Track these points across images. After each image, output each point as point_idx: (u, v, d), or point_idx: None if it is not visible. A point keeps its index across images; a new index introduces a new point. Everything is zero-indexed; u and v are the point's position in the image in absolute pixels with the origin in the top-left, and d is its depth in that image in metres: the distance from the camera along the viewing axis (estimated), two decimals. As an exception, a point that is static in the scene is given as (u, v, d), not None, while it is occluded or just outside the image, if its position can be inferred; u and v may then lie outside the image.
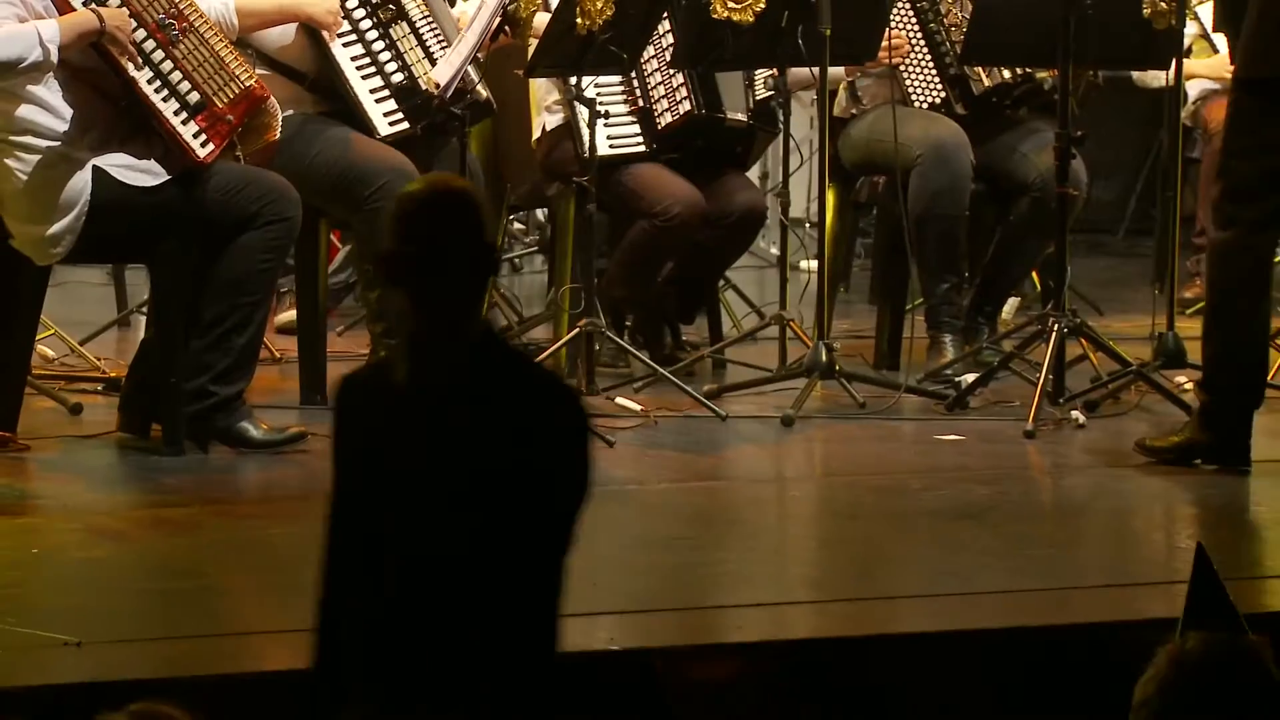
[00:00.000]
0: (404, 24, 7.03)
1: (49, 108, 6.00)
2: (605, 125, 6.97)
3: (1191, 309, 8.01)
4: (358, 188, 6.60)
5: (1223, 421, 5.68)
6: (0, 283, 6.26)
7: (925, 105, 7.23)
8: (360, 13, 6.91)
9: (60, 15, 5.93)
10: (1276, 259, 6.81)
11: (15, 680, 4.57)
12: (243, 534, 5.60)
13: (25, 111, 5.97)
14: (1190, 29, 8.93)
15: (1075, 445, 6.57)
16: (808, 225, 9.13)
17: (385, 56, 6.93)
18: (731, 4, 6.70)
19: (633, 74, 7.19)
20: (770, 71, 7.08)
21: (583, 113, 6.91)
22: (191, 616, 4.82)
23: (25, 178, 6.00)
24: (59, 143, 5.97)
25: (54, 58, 5.91)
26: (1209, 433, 5.68)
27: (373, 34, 6.88)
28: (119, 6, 5.99)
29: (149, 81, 6.02)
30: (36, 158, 5.98)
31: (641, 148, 7.15)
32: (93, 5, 6.02)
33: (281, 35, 6.84)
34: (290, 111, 6.56)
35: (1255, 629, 3.02)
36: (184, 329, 6.18)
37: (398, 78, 6.81)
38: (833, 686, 4.78)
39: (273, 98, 6.17)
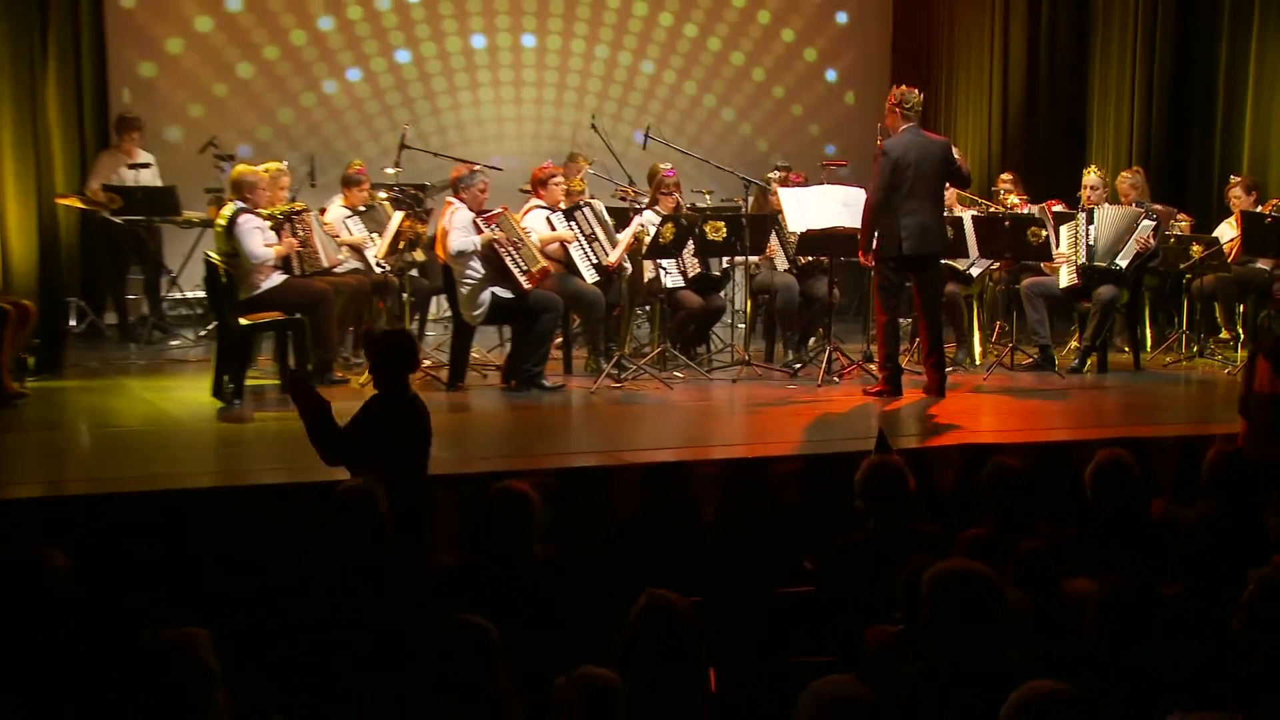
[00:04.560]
0: (597, 239, 11.55)
1: (474, 265, 10.62)
2: (665, 272, 11.68)
3: None
4: (574, 299, 11.33)
5: None
6: (459, 338, 10.93)
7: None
8: (579, 234, 11.45)
9: (479, 234, 10.61)
10: None
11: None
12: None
13: (473, 264, 10.61)
14: None
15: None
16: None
17: (589, 249, 11.49)
18: (712, 232, 11.27)
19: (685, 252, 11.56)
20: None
21: (665, 264, 11.59)
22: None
23: (467, 291, 10.70)
24: (479, 276, 10.65)
25: (477, 248, 10.55)
26: None
27: (583, 240, 11.47)
28: (497, 232, 10.62)
29: (509, 259, 10.69)
30: (472, 284, 10.66)
31: (683, 283, 11.79)
32: (492, 230, 10.64)
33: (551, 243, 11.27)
34: (552, 269, 11.07)
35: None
36: (518, 349, 10.88)
37: (593, 259, 11.43)
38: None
39: (548, 266, 10.94)
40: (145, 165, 13.18)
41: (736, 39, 16.29)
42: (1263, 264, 12.19)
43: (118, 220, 12.75)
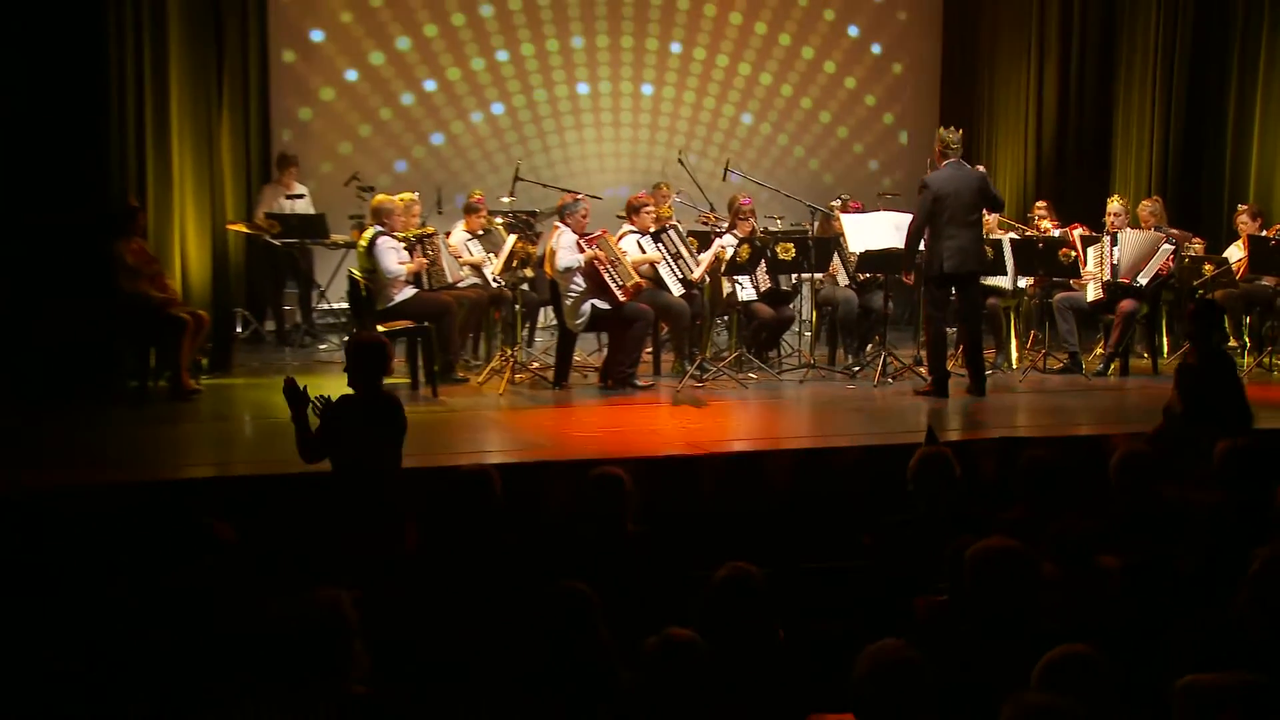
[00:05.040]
0: (681, 257, 11.40)
1: (577, 280, 10.56)
2: (741, 287, 11.67)
3: None
4: (662, 310, 11.26)
5: None
6: (563, 344, 10.90)
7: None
8: (666, 254, 11.34)
9: (582, 254, 10.54)
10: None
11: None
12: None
13: (576, 280, 10.57)
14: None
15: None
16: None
17: (674, 266, 11.38)
18: (783, 252, 11.30)
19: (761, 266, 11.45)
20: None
21: (742, 280, 11.61)
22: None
23: (570, 303, 10.63)
24: (581, 290, 10.59)
25: (580, 266, 10.50)
26: None
27: (669, 259, 11.35)
28: (597, 252, 10.57)
29: (607, 275, 10.62)
30: (575, 296, 10.63)
31: (756, 296, 11.62)
32: (592, 250, 10.57)
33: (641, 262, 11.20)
34: (643, 284, 10.99)
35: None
36: (614, 353, 10.84)
37: (679, 275, 11.32)
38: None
39: (640, 281, 10.88)
40: (300, 196, 13.34)
41: (806, 86, 16.21)
42: (1267, 281, 12.10)
43: (277, 243, 12.90)
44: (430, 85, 14.76)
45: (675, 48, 15.58)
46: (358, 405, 7.03)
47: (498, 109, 15.09)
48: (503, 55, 14.98)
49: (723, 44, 15.69)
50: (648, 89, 15.54)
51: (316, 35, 14.27)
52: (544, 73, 15.13)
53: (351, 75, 14.47)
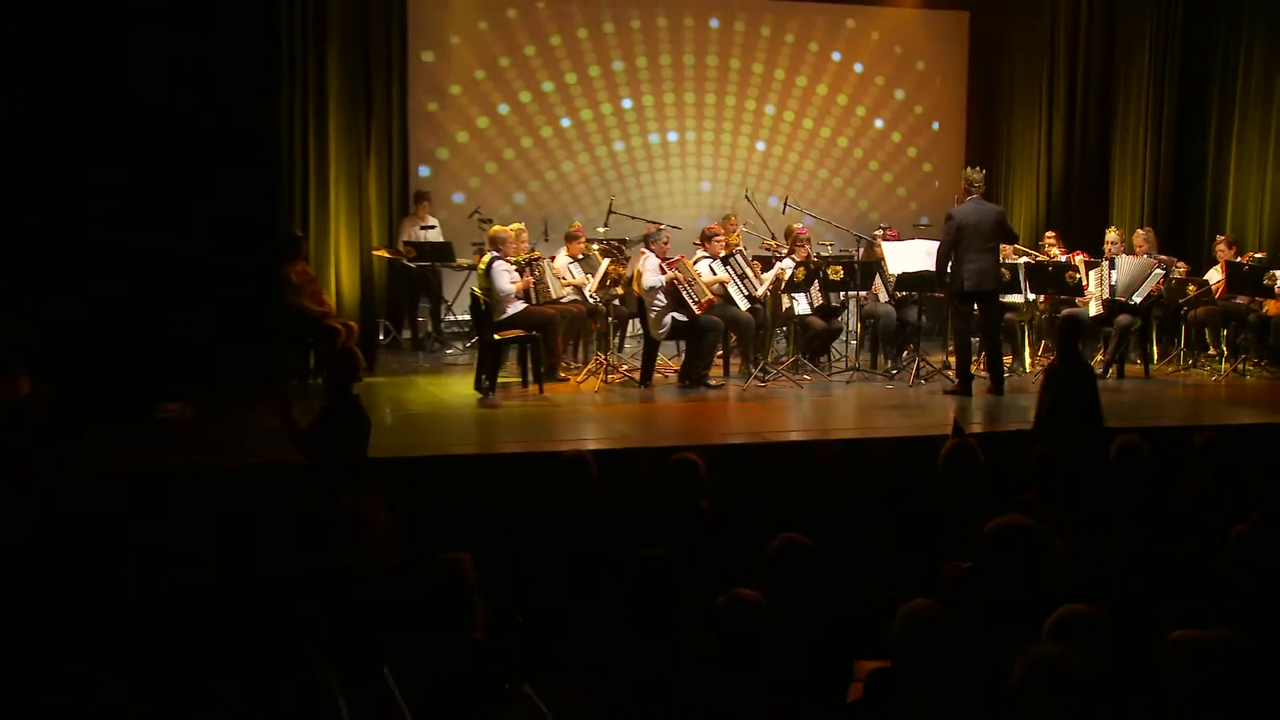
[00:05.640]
0: (747, 277, 11.39)
1: (659, 297, 10.55)
2: (797, 303, 11.62)
3: None
4: (731, 322, 11.17)
5: None
6: (648, 350, 10.74)
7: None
8: (733, 275, 11.29)
9: (664, 275, 10.54)
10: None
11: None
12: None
13: (659, 296, 10.59)
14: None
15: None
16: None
17: (741, 285, 11.37)
18: (833, 274, 11.28)
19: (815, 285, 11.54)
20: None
21: (798, 297, 11.59)
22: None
23: (654, 315, 10.61)
24: (663, 305, 10.56)
25: (662, 285, 10.52)
26: None
27: (736, 279, 11.32)
28: (676, 273, 10.58)
29: (684, 292, 10.58)
30: (658, 310, 10.64)
31: (810, 311, 11.60)
32: (672, 272, 10.56)
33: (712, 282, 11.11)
34: (715, 300, 10.91)
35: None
36: (691, 357, 10.71)
37: (744, 292, 11.30)
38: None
39: (712, 298, 10.76)
40: (431, 227, 13.34)
41: (858, 139, 16.01)
42: (1240, 300, 12.15)
43: (412, 266, 12.94)
44: (547, 131, 14.75)
45: (749, 104, 15.54)
46: (336, 411, 6.90)
47: (601, 152, 15.06)
48: (607, 107, 14.97)
49: (778, 99, 15.60)
50: (725, 138, 15.43)
51: (454, 89, 14.33)
52: (640, 123, 15.09)
53: (483, 122, 14.47)
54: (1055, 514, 5.65)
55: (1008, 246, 11.57)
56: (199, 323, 9.85)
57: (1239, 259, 12.34)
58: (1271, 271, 12.05)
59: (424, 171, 14.16)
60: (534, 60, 14.61)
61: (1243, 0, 13.59)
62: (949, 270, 10.46)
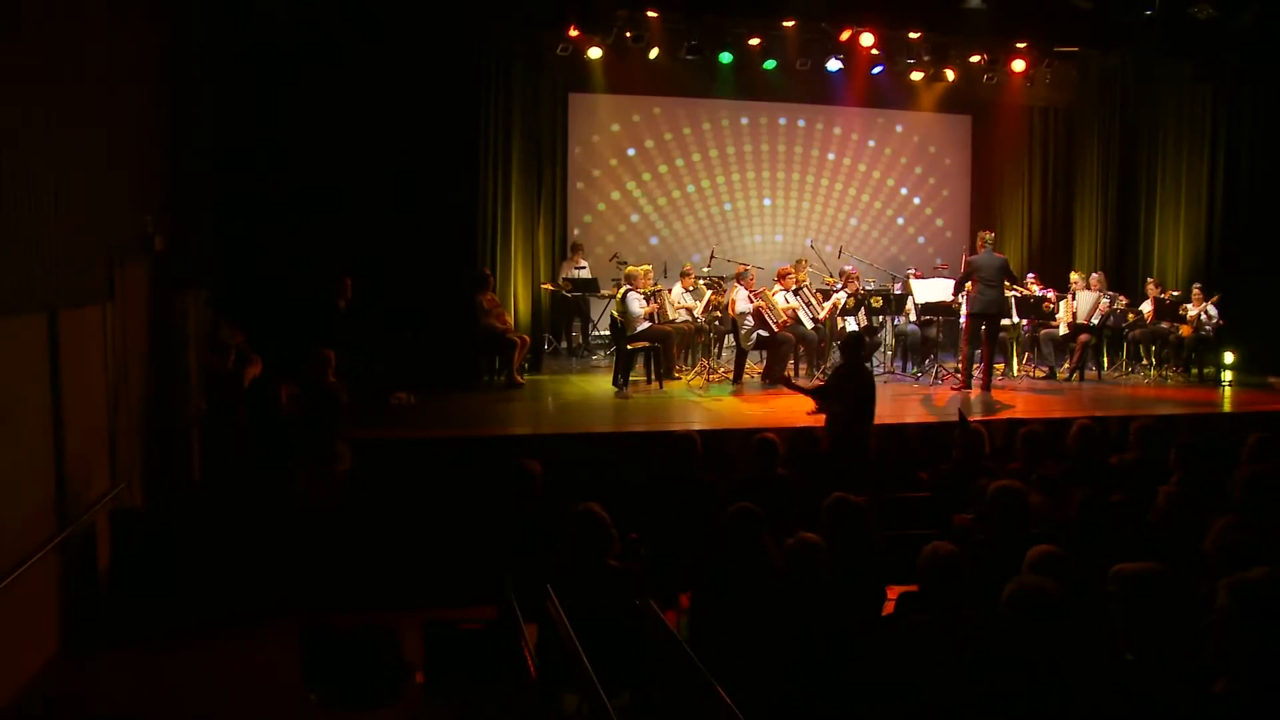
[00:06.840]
0: (811, 305, 11.08)
1: (748, 319, 10.35)
2: (847, 324, 11.22)
3: None
4: (800, 337, 10.89)
5: None
6: (739, 357, 10.56)
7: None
8: (801, 303, 10.99)
9: (751, 303, 10.31)
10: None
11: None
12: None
13: (748, 319, 10.35)
14: None
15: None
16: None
17: (806, 310, 11.05)
18: (875, 302, 11.31)
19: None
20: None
21: (849, 319, 11.32)
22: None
23: (744, 332, 10.34)
24: (751, 324, 10.27)
25: (750, 309, 10.37)
26: None
27: (804, 306, 10.99)
28: (760, 301, 10.33)
29: (767, 315, 10.36)
30: (747, 328, 10.34)
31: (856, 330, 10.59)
32: (758, 300, 10.31)
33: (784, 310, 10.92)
34: (788, 323, 10.66)
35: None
36: (771, 363, 10.48)
37: (809, 315, 10.97)
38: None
39: (786, 319, 10.49)
40: (583, 268, 13.16)
41: (889, 203, 15.65)
42: (1165, 325, 12.02)
43: (569, 296, 12.81)
44: (663, 201, 14.54)
45: (809, 179, 15.23)
46: (309, 397, 6.70)
47: (715, 211, 14.79)
48: (705, 183, 14.73)
49: (830, 174, 15.28)
50: (793, 203, 15.13)
51: (595, 172, 14.23)
52: (729, 191, 14.82)
53: (616, 195, 14.32)
54: (1034, 478, 5.56)
55: (1009, 284, 11.34)
56: (420, 337, 10.01)
57: (1163, 295, 12.18)
58: (1184, 304, 11.90)
59: (576, 231, 14.09)
60: (652, 150, 14.49)
61: (1164, 113, 13.50)
62: (963, 295, 10.54)
